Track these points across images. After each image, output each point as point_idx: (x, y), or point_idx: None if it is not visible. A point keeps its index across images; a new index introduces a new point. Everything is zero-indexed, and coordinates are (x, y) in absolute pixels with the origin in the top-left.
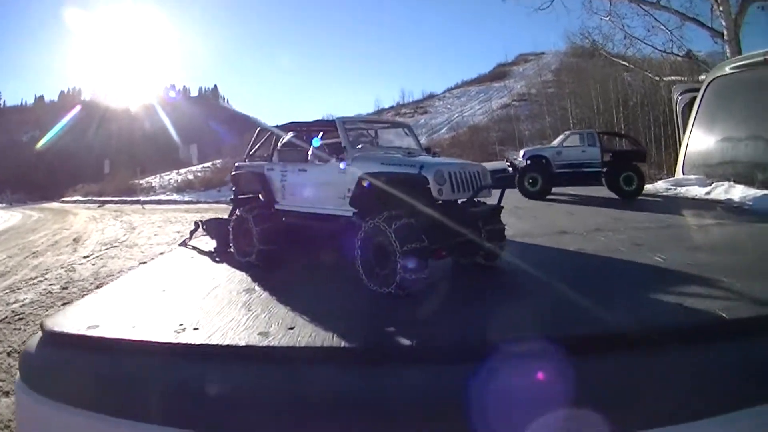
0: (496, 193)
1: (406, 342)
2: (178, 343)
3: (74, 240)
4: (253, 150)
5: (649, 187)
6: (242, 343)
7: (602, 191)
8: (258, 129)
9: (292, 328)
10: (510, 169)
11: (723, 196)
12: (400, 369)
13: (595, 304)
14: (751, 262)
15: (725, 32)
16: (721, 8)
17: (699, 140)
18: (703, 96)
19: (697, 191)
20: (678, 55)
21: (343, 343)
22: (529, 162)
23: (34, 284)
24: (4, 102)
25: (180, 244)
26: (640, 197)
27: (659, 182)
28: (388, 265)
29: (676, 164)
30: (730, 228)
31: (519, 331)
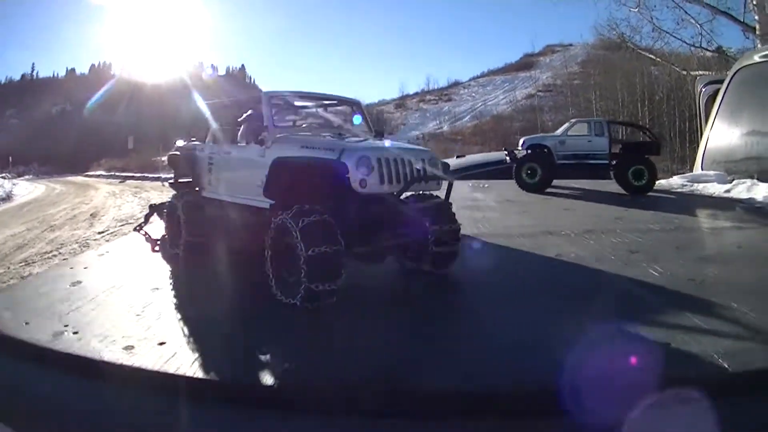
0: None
1: (267, 380)
2: (45, 348)
3: (91, 215)
4: (195, 129)
5: (662, 183)
6: (105, 357)
7: (611, 185)
8: (200, 104)
9: (162, 344)
10: (507, 158)
11: (744, 195)
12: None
13: (539, 346)
14: None
15: (757, 27)
16: (754, 2)
17: (721, 134)
18: (728, 87)
19: (716, 188)
20: (707, 50)
21: (196, 373)
22: (528, 151)
23: (48, 258)
24: (37, 73)
25: (134, 229)
26: (650, 193)
27: (674, 177)
28: (296, 271)
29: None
30: (750, 233)
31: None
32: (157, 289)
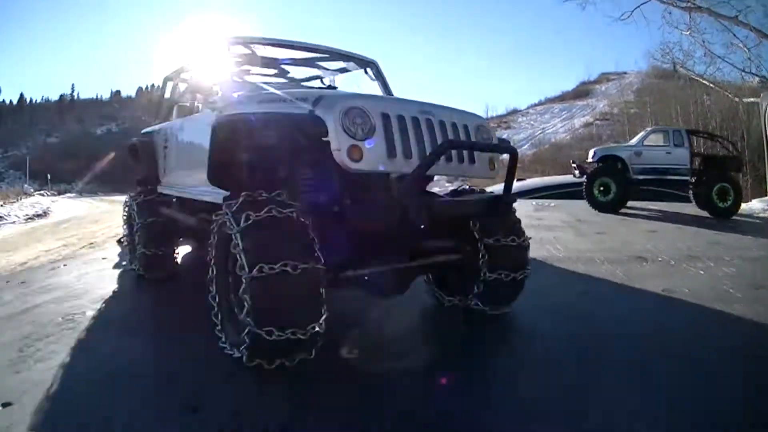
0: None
1: None
2: None
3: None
4: (163, 108)
5: (743, 207)
6: None
7: (687, 208)
8: (164, 78)
9: (7, 405)
10: (576, 172)
11: None
12: None
13: None
14: None
15: None
16: None
17: None
18: None
19: None
20: (756, 75)
21: None
22: (600, 164)
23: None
24: (78, 94)
25: (117, 242)
26: (734, 217)
27: (754, 201)
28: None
29: (765, 183)
30: None
31: None
32: (71, 320)
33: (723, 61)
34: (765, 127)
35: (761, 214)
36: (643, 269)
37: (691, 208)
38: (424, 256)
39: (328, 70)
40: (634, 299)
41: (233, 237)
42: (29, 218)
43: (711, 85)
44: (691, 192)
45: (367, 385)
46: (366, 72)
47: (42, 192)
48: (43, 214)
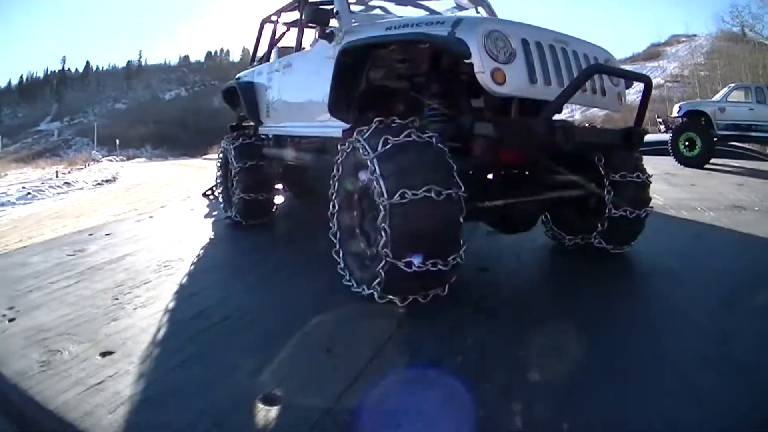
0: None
1: None
2: None
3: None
4: (259, 52)
5: None
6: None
7: (766, 165)
8: (261, 21)
9: (107, 354)
10: (662, 127)
11: None
12: None
13: None
14: None
15: None
16: None
17: None
18: None
19: None
20: None
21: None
22: (685, 120)
23: None
24: (146, 60)
25: (203, 195)
26: None
27: None
28: (377, 237)
29: None
30: None
31: None
32: (168, 266)
33: None
34: None
35: None
36: (745, 217)
37: None
38: (552, 190)
39: (434, 12)
40: (746, 242)
41: (369, 163)
42: (98, 184)
43: None
44: None
45: (493, 328)
46: (477, 11)
47: (110, 158)
48: (112, 179)
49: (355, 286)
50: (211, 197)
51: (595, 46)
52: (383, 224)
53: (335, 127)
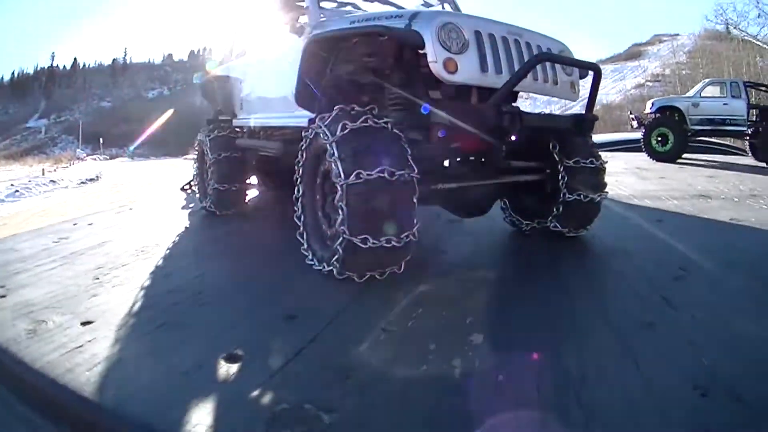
0: None
1: None
2: None
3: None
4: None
5: None
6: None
7: (742, 159)
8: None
9: (87, 323)
10: (635, 123)
11: None
12: None
13: None
14: None
15: None
16: None
17: None
18: None
19: None
20: None
21: None
22: (658, 115)
23: None
24: (130, 58)
25: (182, 189)
26: None
27: None
28: (333, 215)
29: None
30: None
31: None
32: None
33: None
34: None
35: None
36: (709, 204)
37: (747, 160)
38: (507, 175)
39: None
40: (707, 225)
41: (329, 147)
42: (82, 182)
43: (765, 46)
44: (747, 143)
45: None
46: (442, 8)
47: (94, 157)
48: (96, 178)
49: (316, 264)
50: (189, 191)
51: (550, 38)
52: (341, 203)
53: (303, 117)
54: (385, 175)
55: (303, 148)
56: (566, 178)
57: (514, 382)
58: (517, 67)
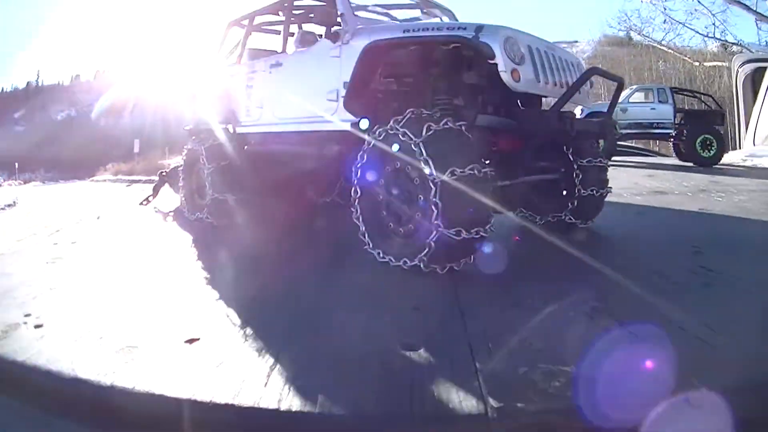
0: None
1: None
2: None
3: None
4: (221, 54)
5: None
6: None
7: (667, 160)
8: (228, 24)
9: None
10: None
11: None
12: None
13: None
14: None
15: None
16: None
17: None
18: None
19: None
20: (721, 40)
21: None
22: None
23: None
24: (42, 81)
25: (141, 204)
26: (717, 166)
27: (732, 152)
28: (416, 213)
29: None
30: None
31: None
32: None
33: (684, 26)
34: (737, 88)
35: (741, 163)
36: (671, 198)
37: (671, 160)
38: (533, 173)
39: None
40: (685, 215)
41: (414, 147)
42: (1, 209)
43: (669, 50)
44: (672, 145)
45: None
46: (440, 19)
47: (10, 182)
48: (13, 204)
49: (393, 261)
50: (146, 204)
51: (569, 52)
52: (434, 199)
53: (344, 122)
54: (475, 171)
55: (365, 149)
56: (581, 176)
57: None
58: (557, 77)
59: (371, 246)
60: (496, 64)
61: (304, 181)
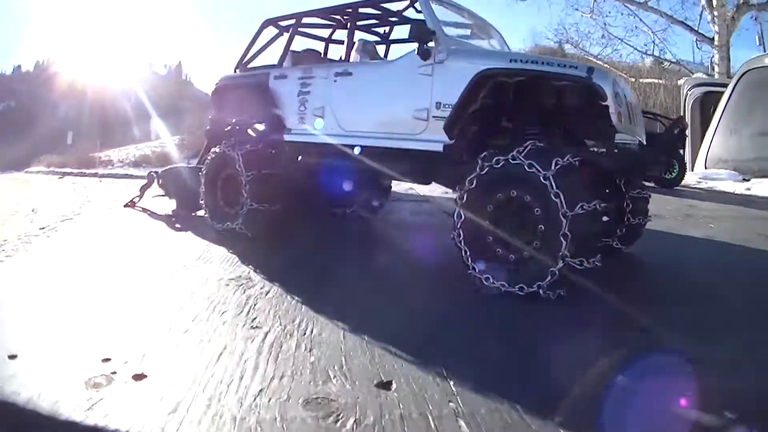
0: None
1: None
2: None
3: (32, 210)
4: (250, 54)
5: None
6: None
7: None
8: (263, 22)
9: (12, 357)
10: None
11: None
12: None
13: None
14: None
15: (716, 38)
16: (715, 13)
17: (727, 134)
18: (734, 89)
19: (734, 186)
20: (660, 58)
21: None
22: None
23: None
24: None
25: (125, 206)
26: (677, 188)
27: (688, 174)
28: (534, 240)
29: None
30: None
31: None
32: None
33: (622, 42)
34: (685, 111)
35: (696, 186)
36: (668, 223)
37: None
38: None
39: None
40: (698, 243)
41: (542, 180)
42: None
43: (605, 65)
44: None
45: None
46: (489, 43)
47: None
48: None
49: (507, 286)
50: (138, 208)
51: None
52: (564, 231)
53: (434, 142)
54: (597, 206)
55: (475, 176)
56: (631, 206)
57: None
58: (632, 119)
59: (476, 271)
60: (604, 105)
61: (343, 194)
